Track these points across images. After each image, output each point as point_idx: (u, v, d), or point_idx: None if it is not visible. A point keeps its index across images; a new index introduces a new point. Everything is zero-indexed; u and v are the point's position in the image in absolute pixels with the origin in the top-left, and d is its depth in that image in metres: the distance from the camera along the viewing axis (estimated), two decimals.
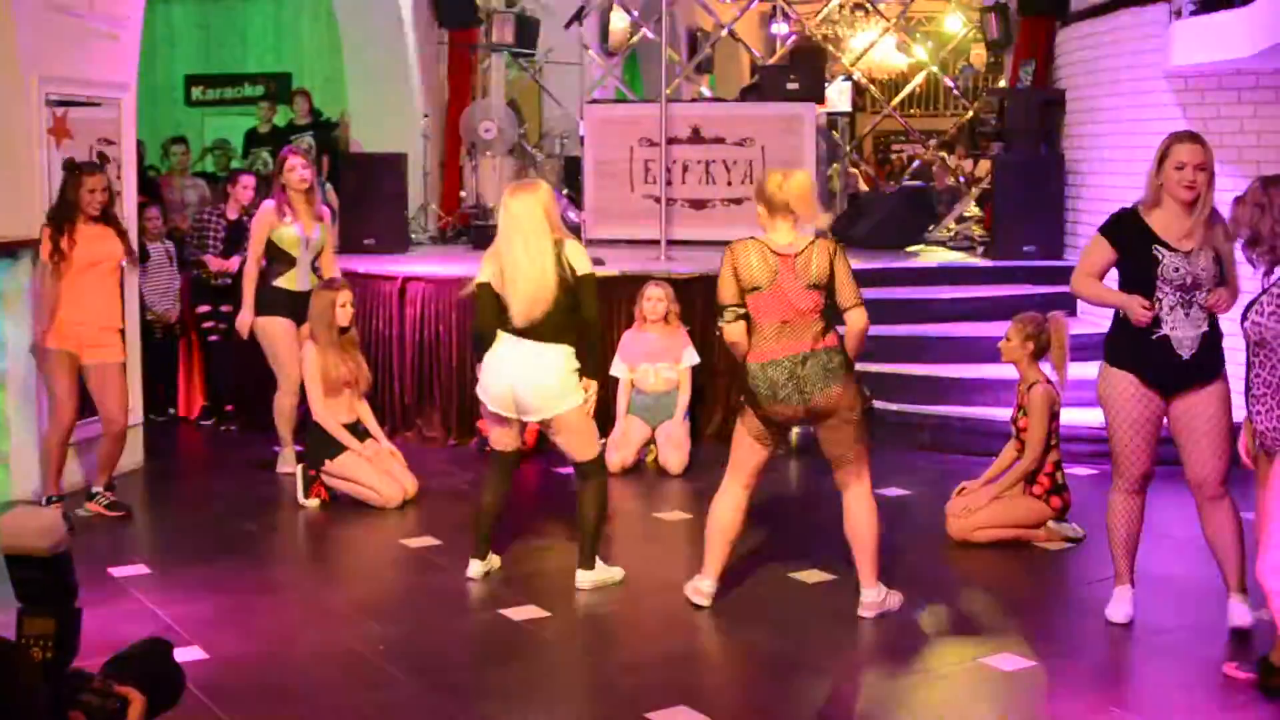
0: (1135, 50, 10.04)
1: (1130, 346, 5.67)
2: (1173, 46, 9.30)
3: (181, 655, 5.35)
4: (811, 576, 6.58)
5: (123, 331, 7.85)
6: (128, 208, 8.60)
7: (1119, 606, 5.92)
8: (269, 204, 8.52)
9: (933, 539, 7.26)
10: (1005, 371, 9.27)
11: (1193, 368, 5.59)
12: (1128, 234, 5.65)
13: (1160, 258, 5.55)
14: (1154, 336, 5.59)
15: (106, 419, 7.66)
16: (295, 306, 8.43)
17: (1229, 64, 8.81)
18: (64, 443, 7.59)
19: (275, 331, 8.49)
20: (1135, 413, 5.70)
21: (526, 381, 6.31)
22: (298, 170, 8.42)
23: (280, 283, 8.47)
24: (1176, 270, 5.53)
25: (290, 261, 8.45)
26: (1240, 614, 5.67)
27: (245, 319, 8.53)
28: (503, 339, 6.32)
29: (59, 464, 7.58)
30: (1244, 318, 5.13)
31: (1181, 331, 5.56)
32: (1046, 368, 7.25)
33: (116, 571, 6.61)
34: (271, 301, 8.49)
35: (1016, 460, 7.26)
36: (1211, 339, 5.59)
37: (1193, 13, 9.08)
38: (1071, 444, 8.17)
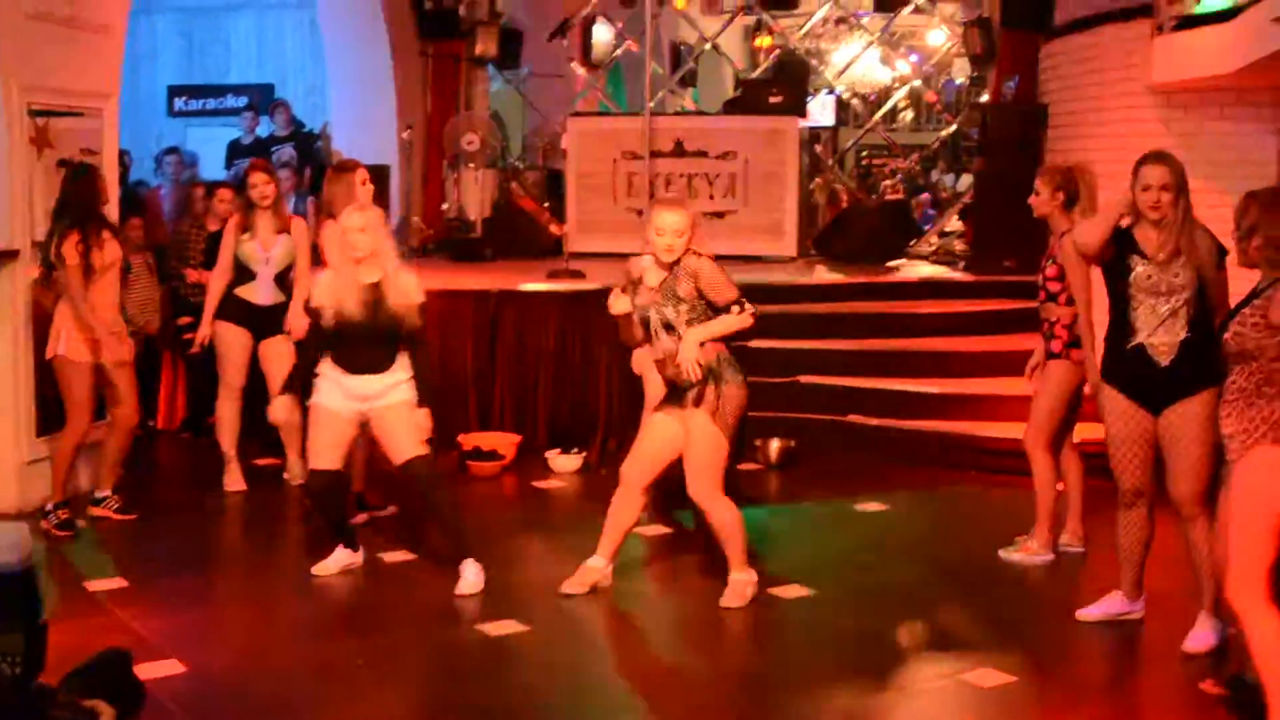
0: (1118, 65, 10.05)
1: (1112, 359, 5.81)
2: (1155, 62, 9.33)
3: (159, 669, 5.37)
4: (790, 592, 6.57)
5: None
6: (111, 218, 8.56)
7: (1095, 608, 6.10)
8: (235, 217, 8.54)
9: (911, 553, 7.25)
10: (986, 387, 9.33)
11: (1173, 378, 5.64)
12: (1113, 242, 5.75)
13: (1134, 266, 5.69)
14: (1128, 346, 5.70)
15: (124, 415, 7.73)
16: (254, 319, 8.38)
17: (1211, 79, 8.84)
18: (78, 449, 7.64)
19: (227, 338, 8.41)
20: (1120, 428, 5.82)
21: None
22: (259, 187, 8.39)
23: (241, 291, 8.41)
24: (1149, 278, 5.66)
25: (253, 274, 8.42)
26: (1195, 637, 5.71)
27: (203, 331, 8.48)
28: None
29: (69, 469, 7.63)
30: (1223, 328, 5.11)
31: (1157, 338, 5.65)
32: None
33: (93, 585, 6.57)
34: (229, 308, 8.41)
35: (1050, 322, 6.93)
36: (1194, 347, 5.59)
37: (1175, 28, 9.11)
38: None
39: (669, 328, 6.17)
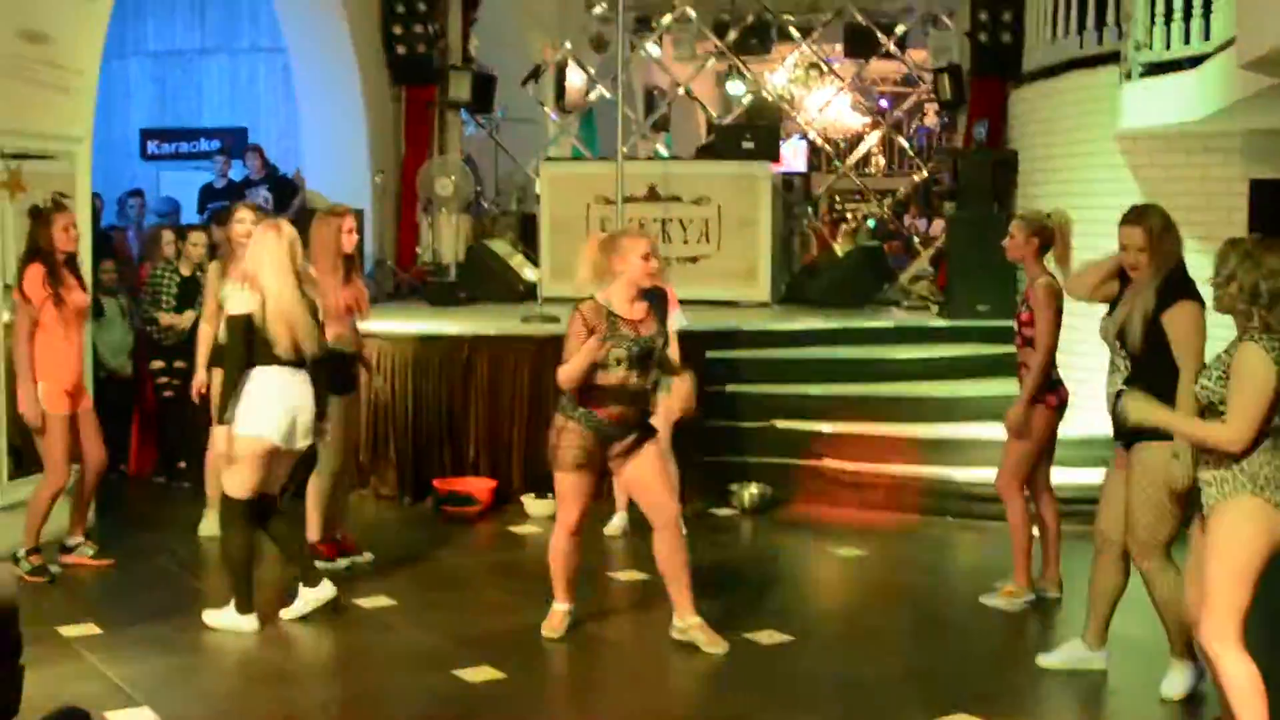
0: (1086, 111, 10.13)
1: None
2: (1123, 108, 9.40)
3: (132, 717, 5.32)
4: (768, 637, 6.56)
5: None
6: (83, 261, 8.53)
7: (1056, 653, 6.14)
8: (217, 261, 8.51)
9: (888, 598, 7.25)
10: (961, 431, 9.34)
11: (1115, 426, 5.70)
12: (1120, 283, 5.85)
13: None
14: None
15: (94, 459, 7.78)
16: None
17: (1179, 126, 8.91)
18: (55, 500, 7.61)
19: (217, 384, 8.42)
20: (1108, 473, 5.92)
21: (306, 409, 6.70)
22: (245, 223, 8.36)
23: None
24: (1101, 328, 5.81)
25: None
26: (1170, 682, 5.73)
27: (199, 379, 8.46)
28: (268, 370, 6.57)
29: (45, 520, 7.57)
30: (1196, 380, 5.10)
31: (1108, 387, 5.76)
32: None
33: (66, 631, 6.53)
34: (219, 353, 8.41)
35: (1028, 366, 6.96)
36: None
37: (1143, 75, 9.19)
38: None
39: (644, 361, 6.16)
